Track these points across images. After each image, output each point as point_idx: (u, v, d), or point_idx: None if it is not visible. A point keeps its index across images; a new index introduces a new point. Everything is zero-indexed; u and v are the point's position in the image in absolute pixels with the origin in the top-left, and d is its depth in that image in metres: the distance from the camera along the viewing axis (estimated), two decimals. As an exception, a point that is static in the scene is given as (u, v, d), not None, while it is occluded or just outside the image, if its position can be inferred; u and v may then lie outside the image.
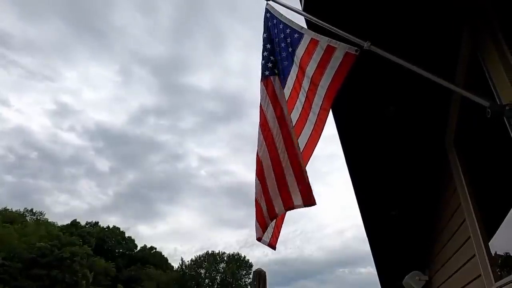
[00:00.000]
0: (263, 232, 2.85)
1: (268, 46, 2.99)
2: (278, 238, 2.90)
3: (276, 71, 2.90)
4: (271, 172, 2.79)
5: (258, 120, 2.93)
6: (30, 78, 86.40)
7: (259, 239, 2.89)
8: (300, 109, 2.66)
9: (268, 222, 2.80)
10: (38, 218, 59.71)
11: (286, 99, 2.75)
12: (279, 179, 2.74)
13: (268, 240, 2.91)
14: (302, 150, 2.64)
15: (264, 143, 2.83)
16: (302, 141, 2.65)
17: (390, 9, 2.59)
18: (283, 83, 2.81)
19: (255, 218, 2.83)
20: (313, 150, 2.60)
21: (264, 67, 2.98)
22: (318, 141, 2.56)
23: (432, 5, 2.55)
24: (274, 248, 2.89)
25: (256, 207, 2.83)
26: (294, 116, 2.71)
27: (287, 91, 2.76)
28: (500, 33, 2.09)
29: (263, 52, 3.03)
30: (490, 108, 2.00)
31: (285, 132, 2.76)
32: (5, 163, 74.17)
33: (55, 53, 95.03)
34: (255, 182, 2.84)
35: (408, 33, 2.72)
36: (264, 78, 2.94)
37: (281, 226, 2.90)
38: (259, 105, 2.94)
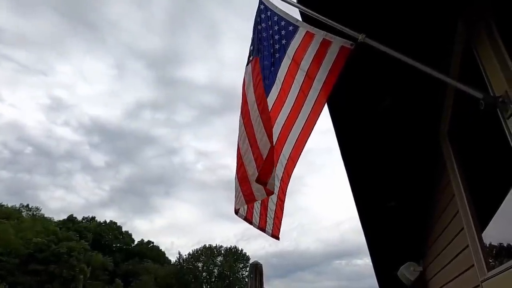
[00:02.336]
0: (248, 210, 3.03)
1: (257, 34, 3.00)
2: (280, 228, 2.94)
3: (260, 55, 2.94)
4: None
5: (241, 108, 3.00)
6: (24, 72, 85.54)
7: (250, 223, 3.06)
8: (293, 102, 2.65)
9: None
10: (34, 213, 59.51)
11: (278, 91, 2.75)
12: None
13: (270, 231, 2.95)
14: (295, 142, 2.66)
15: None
16: (294, 133, 2.65)
17: (385, 1, 2.58)
18: (273, 74, 2.80)
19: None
20: (307, 141, 2.62)
21: (251, 52, 3.05)
22: (311, 132, 2.59)
23: (426, -3, 2.55)
24: (277, 238, 2.93)
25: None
26: (286, 108, 2.70)
27: (278, 83, 2.75)
28: (494, 25, 2.10)
29: (252, 39, 3.09)
30: (483, 100, 2.01)
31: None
32: (0, 159, 73.70)
33: (48, 47, 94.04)
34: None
35: (403, 25, 2.71)
36: (250, 61, 3.00)
37: (282, 217, 2.93)
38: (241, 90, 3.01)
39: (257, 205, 3.04)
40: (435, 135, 3.70)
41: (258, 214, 3.03)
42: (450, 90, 3.13)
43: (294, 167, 2.72)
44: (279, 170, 2.79)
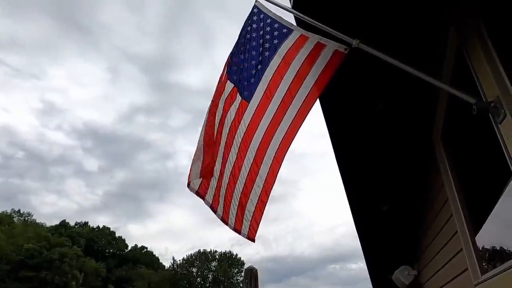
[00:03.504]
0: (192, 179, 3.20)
1: (245, 35, 3.03)
2: (257, 231, 2.87)
3: (247, 54, 2.99)
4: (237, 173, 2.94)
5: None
6: (16, 76, 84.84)
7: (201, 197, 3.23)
8: (279, 102, 2.64)
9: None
10: (26, 219, 58.70)
11: (264, 90, 2.74)
12: (243, 194, 2.89)
13: (246, 233, 2.90)
14: (280, 142, 2.63)
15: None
16: (280, 134, 2.63)
17: (380, 7, 2.61)
18: (260, 72, 2.80)
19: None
20: (292, 141, 2.60)
21: (231, 54, 3.14)
22: (297, 133, 2.57)
23: (420, 3, 2.58)
24: (253, 240, 2.87)
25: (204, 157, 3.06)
26: (272, 108, 2.68)
27: (264, 81, 2.73)
28: (485, 31, 2.13)
29: (237, 42, 3.14)
30: (475, 105, 2.03)
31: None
32: (-9, 163, 72.70)
33: (41, 51, 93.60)
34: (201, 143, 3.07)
35: (397, 31, 2.74)
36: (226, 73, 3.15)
37: (260, 219, 2.85)
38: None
39: (233, 207, 3.00)
40: (429, 139, 3.73)
41: (234, 216, 2.99)
42: (443, 95, 3.16)
43: (279, 167, 2.68)
44: (263, 171, 2.74)
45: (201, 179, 3.17)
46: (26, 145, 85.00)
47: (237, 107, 2.98)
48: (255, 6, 3.05)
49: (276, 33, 2.71)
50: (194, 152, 3.16)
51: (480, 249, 2.92)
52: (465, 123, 3.01)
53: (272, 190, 2.76)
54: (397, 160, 4.21)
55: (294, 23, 2.71)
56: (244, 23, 3.08)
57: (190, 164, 3.18)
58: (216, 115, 3.12)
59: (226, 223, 3.06)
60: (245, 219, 2.90)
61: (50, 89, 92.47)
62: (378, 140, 3.94)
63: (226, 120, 3.06)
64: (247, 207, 2.88)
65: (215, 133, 3.07)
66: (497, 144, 2.10)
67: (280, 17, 2.78)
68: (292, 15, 2.65)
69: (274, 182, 2.73)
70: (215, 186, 3.13)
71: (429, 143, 3.75)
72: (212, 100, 3.18)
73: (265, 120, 2.72)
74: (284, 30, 2.65)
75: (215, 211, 3.16)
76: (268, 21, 2.82)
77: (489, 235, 2.86)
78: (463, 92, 2.07)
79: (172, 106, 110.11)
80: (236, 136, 2.95)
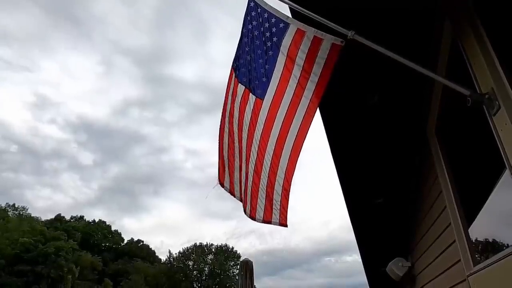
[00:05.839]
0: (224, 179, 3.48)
1: (248, 34, 3.07)
2: (287, 217, 3.09)
3: (252, 55, 3.06)
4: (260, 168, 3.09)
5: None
6: (7, 69, 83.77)
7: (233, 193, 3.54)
8: (292, 95, 2.74)
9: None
10: (21, 213, 58.36)
11: (276, 86, 2.83)
12: (269, 186, 3.06)
13: (278, 220, 3.11)
14: (297, 132, 2.78)
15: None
16: (295, 125, 2.77)
17: (374, -1, 2.59)
18: (269, 72, 2.85)
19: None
20: (307, 131, 2.74)
21: (236, 58, 3.22)
22: (311, 123, 2.72)
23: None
24: (285, 226, 3.10)
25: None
26: (286, 101, 2.80)
27: (275, 79, 2.82)
28: (480, 23, 2.12)
29: (238, 44, 3.21)
30: (470, 97, 2.04)
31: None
32: (-16, 158, 72.00)
33: (32, 43, 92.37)
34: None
35: (392, 22, 2.73)
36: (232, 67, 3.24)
37: (287, 206, 3.08)
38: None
39: (261, 201, 3.18)
40: (423, 131, 3.74)
41: (263, 209, 3.18)
42: (438, 87, 3.16)
43: (298, 156, 2.84)
44: (283, 163, 2.91)
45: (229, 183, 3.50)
46: (19, 139, 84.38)
47: (252, 107, 3.07)
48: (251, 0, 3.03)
49: (274, 29, 2.74)
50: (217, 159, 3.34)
51: (473, 241, 2.95)
52: (459, 116, 3.01)
53: (293, 178, 2.97)
54: (391, 153, 4.23)
55: (289, 13, 2.69)
56: (244, 20, 3.12)
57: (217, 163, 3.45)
58: (233, 123, 3.26)
59: (254, 219, 3.28)
60: (274, 209, 3.11)
61: (43, 82, 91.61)
62: (373, 133, 3.95)
63: (244, 122, 3.16)
64: (274, 197, 3.08)
65: (235, 143, 3.22)
66: (491, 136, 2.10)
67: (275, 9, 2.77)
68: (287, 5, 2.63)
69: (294, 170, 2.92)
70: (243, 189, 3.37)
71: (423, 136, 3.76)
72: (222, 114, 3.33)
73: (280, 115, 2.83)
74: (281, 25, 2.68)
75: (244, 210, 3.39)
76: (266, 15, 2.83)
77: (482, 227, 2.88)
78: (458, 84, 2.07)
79: (166, 100, 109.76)
80: (255, 134, 3.08)
